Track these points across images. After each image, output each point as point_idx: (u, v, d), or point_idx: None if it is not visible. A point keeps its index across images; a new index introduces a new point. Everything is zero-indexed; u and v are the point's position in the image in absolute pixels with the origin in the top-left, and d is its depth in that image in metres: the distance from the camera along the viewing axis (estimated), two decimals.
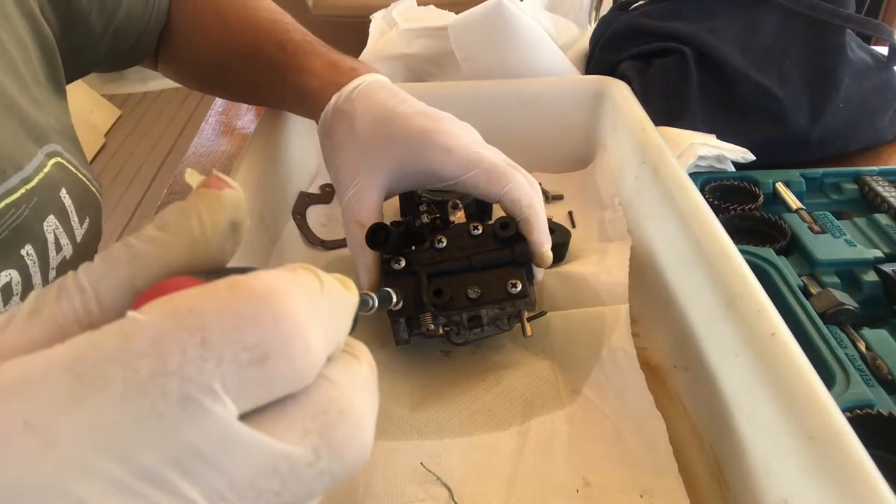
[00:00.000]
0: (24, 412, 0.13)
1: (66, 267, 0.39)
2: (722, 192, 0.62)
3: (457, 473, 0.38)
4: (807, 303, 0.48)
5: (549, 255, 0.43)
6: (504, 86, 0.64)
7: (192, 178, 0.18)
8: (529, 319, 0.42)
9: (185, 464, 0.13)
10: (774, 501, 0.31)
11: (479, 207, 0.52)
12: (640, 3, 0.79)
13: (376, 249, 0.42)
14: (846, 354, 0.44)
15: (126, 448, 0.13)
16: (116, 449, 0.13)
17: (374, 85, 0.46)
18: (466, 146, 0.43)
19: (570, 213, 0.59)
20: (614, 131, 0.59)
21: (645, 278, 0.48)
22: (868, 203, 0.61)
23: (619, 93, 0.60)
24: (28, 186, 0.36)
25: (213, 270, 0.17)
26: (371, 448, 0.16)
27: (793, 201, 0.60)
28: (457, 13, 0.76)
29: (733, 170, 0.64)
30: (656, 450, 0.38)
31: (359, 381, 0.17)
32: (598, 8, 1.02)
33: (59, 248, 0.39)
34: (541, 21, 0.78)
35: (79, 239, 0.41)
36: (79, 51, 0.46)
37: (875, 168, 0.64)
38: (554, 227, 0.51)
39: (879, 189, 0.60)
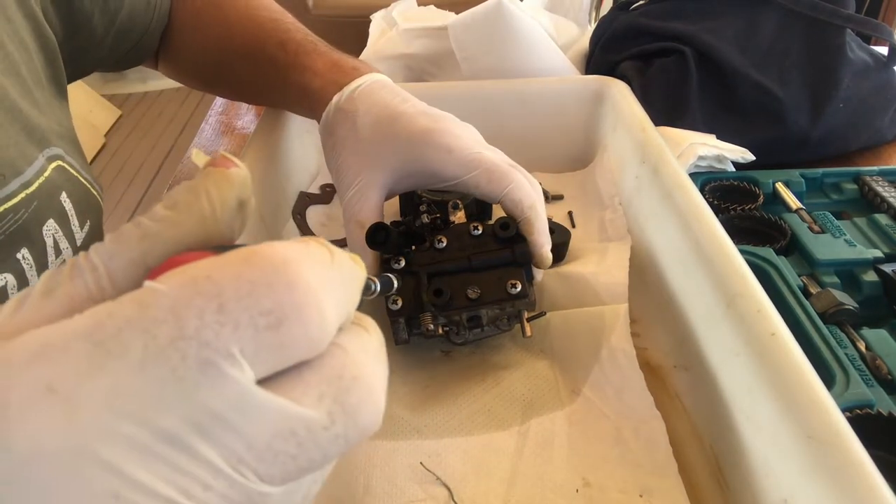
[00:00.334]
0: (47, 377, 0.13)
1: None
2: (722, 192, 0.62)
3: (457, 473, 0.38)
4: (806, 303, 0.48)
5: (549, 256, 0.43)
6: (504, 86, 0.64)
7: (199, 158, 0.19)
8: (529, 320, 0.42)
9: (205, 427, 0.14)
10: (774, 501, 0.31)
11: (479, 207, 0.52)
12: (640, 3, 0.79)
13: (376, 249, 0.42)
14: (846, 354, 0.44)
15: (147, 412, 0.13)
16: (137, 412, 0.13)
17: (376, 84, 0.46)
18: (468, 146, 0.43)
19: (570, 213, 0.59)
20: (614, 131, 0.59)
21: (645, 278, 0.48)
22: (868, 203, 0.61)
23: (619, 93, 0.60)
24: (27, 191, 0.36)
25: (222, 246, 0.17)
26: (383, 415, 0.17)
27: (793, 201, 0.60)
28: (457, 13, 0.76)
29: (733, 170, 0.64)
30: (656, 450, 0.38)
31: (370, 351, 0.17)
32: (598, 8, 1.02)
33: (58, 251, 0.39)
34: (541, 21, 0.78)
35: (79, 242, 0.41)
36: (81, 52, 0.46)
37: (875, 168, 0.64)
38: (554, 227, 0.51)
39: (879, 189, 0.60)
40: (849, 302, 0.48)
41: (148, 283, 0.14)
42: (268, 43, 0.51)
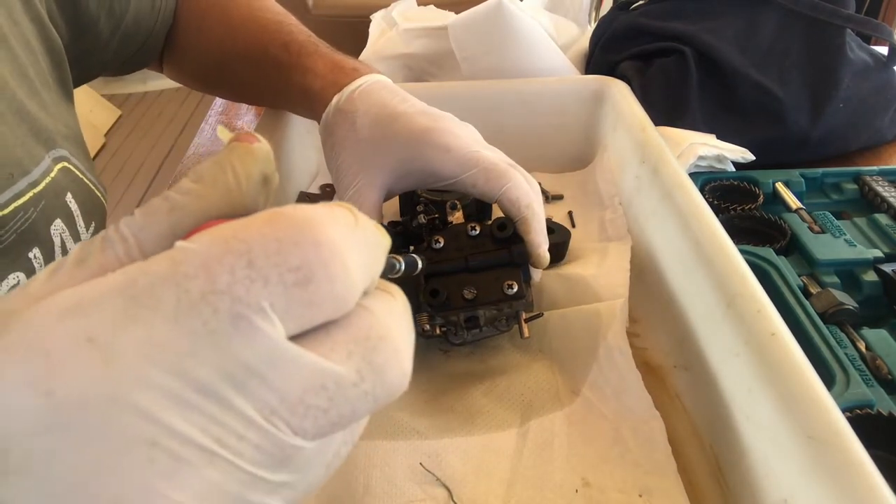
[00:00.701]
0: (85, 328, 0.14)
1: None
2: (722, 192, 0.62)
3: (456, 474, 0.38)
4: (806, 303, 0.48)
5: (546, 256, 0.43)
6: (504, 86, 0.64)
7: (224, 133, 0.19)
8: (527, 321, 0.42)
9: (239, 379, 0.14)
10: (774, 501, 0.31)
11: (478, 208, 0.52)
12: (640, 2, 0.79)
13: None
14: (846, 354, 0.44)
15: (181, 362, 0.14)
16: (172, 363, 0.14)
17: (375, 85, 0.46)
18: (466, 145, 0.43)
19: (570, 213, 0.59)
20: (614, 131, 0.59)
21: (645, 278, 0.48)
22: (868, 203, 0.61)
23: (619, 93, 0.60)
24: (35, 190, 0.36)
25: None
26: (409, 377, 0.17)
27: (793, 201, 0.60)
28: (457, 13, 0.76)
29: (733, 170, 0.64)
30: (655, 450, 0.38)
31: (395, 313, 0.17)
32: (598, 8, 1.02)
33: (65, 252, 0.39)
34: (541, 21, 0.78)
35: None
36: (86, 55, 0.46)
37: (875, 168, 0.64)
38: (554, 227, 0.51)
39: (879, 189, 0.60)
40: (849, 302, 0.48)
41: (179, 243, 0.15)
42: (271, 44, 0.51)
